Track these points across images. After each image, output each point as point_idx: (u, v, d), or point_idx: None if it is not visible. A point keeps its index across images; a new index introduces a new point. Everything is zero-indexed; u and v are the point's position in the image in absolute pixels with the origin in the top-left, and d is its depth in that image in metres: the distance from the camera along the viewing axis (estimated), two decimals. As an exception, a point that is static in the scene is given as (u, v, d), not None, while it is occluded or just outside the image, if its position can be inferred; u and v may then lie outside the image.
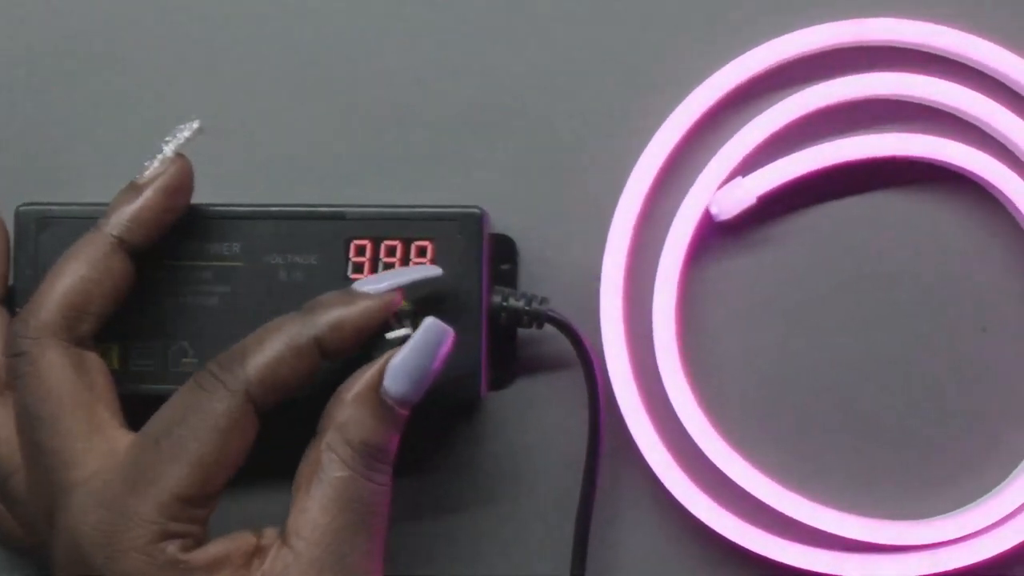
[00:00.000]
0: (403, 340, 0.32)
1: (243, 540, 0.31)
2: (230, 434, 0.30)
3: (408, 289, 0.33)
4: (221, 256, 0.36)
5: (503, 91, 0.40)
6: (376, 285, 0.33)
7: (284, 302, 0.34)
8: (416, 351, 0.32)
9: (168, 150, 0.33)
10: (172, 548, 0.29)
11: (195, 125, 0.34)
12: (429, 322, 0.32)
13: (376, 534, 0.31)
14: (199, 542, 0.30)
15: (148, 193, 0.33)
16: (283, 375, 0.31)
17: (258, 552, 0.31)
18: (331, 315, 0.31)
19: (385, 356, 0.32)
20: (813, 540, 0.38)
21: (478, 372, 0.36)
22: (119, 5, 0.41)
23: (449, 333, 0.32)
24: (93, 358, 0.32)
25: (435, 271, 0.34)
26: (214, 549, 0.30)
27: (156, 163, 0.33)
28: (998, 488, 0.39)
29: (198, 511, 0.30)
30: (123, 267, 0.33)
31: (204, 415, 0.30)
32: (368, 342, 0.32)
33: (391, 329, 0.33)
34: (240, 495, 0.34)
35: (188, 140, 0.33)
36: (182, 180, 0.33)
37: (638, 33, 0.40)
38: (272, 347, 0.31)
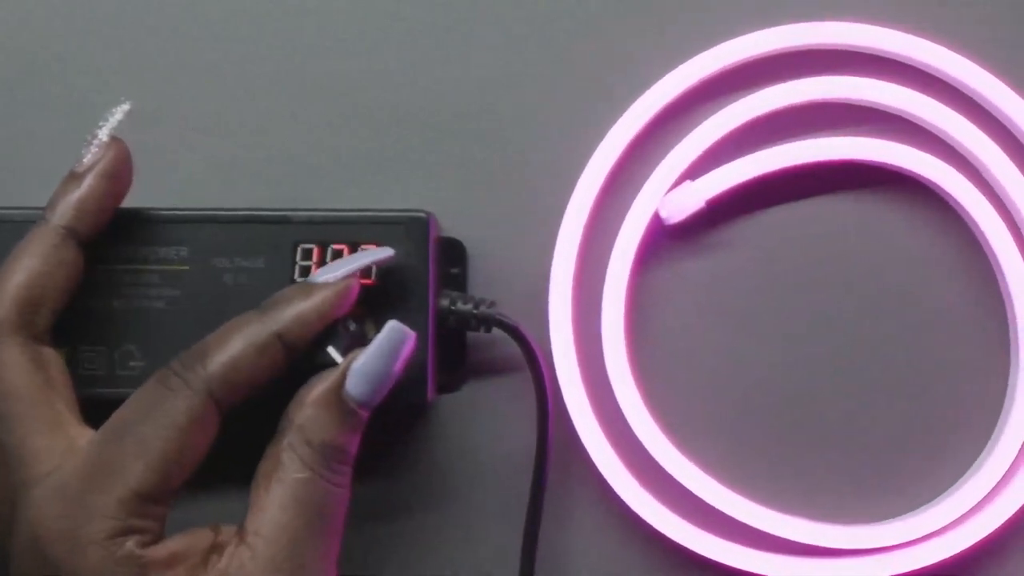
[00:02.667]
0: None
1: (201, 536, 0.31)
2: (192, 432, 0.30)
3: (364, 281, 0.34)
4: (168, 260, 0.36)
5: (452, 96, 0.40)
6: (333, 273, 0.33)
7: (231, 305, 0.34)
8: (378, 354, 0.32)
9: (103, 134, 0.33)
10: (131, 544, 0.30)
11: (126, 107, 0.34)
12: (392, 325, 0.32)
13: (332, 535, 0.31)
14: (157, 538, 0.30)
15: (89, 180, 0.33)
16: (246, 373, 0.31)
17: (215, 548, 0.31)
18: (291, 309, 0.32)
19: (347, 359, 0.32)
20: (761, 544, 0.38)
21: (424, 376, 0.36)
22: (63, 5, 0.41)
23: (410, 335, 0.32)
24: (51, 354, 0.33)
25: (387, 252, 0.34)
26: (172, 545, 0.30)
27: (93, 149, 0.33)
28: (948, 491, 0.39)
29: (157, 508, 0.30)
30: (74, 257, 0.33)
31: (166, 413, 0.30)
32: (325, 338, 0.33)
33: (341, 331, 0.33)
34: (202, 494, 0.35)
35: (121, 122, 0.33)
36: (121, 163, 0.33)
37: (587, 37, 0.40)
38: (234, 345, 0.31)
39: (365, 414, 0.32)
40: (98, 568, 0.29)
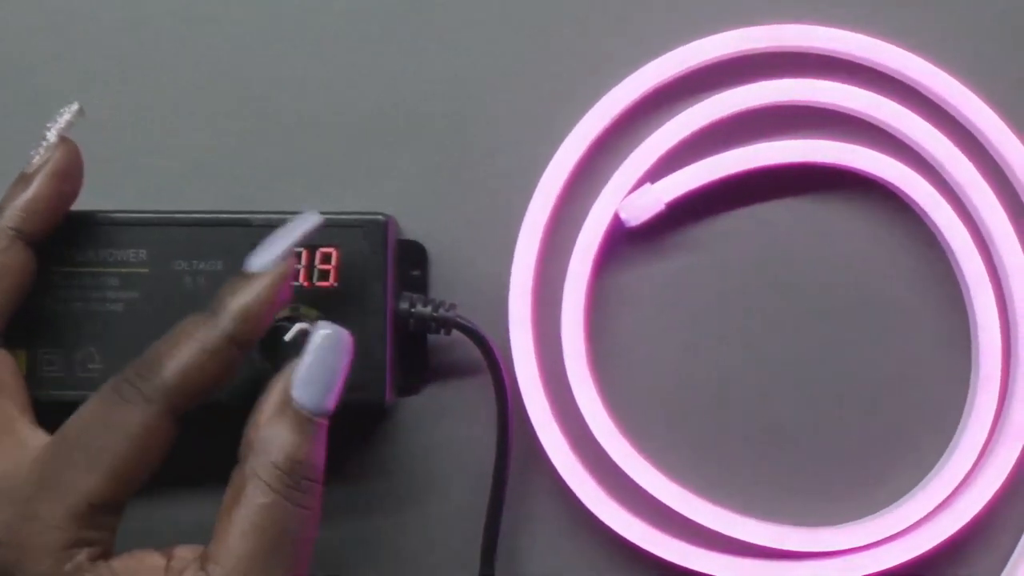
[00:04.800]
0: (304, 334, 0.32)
1: (149, 559, 0.31)
2: (146, 443, 0.30)
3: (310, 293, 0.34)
4: (127, 263, 0.36)
5: (413, 98, 0.40)
6: (269, 257, 0.32)
7: (190, 308, 0.34)
8: (317, 358, 0.31)
9: (51, 135, 0.33)
10: (81, 556, 0.29)
11: (75, 107, 0.34)
12: (325, 330, 0.32)
13: (297, 561, 0.30)
14: (107, 550, 0.30)
15: (38, 181, 0.33)
16: (201, 379, 0.31)
17: (168, 572, 0.30)
18: (236, 307, 0.31)
19: (287, 371, 0.31)
20: (721, 546, 0.38)
21: (383, 378, 0.36)
22: (22, 7, 0.41)
23: (344, 334, 0.32)
24: (1, 355, 0.33)
25: (315, 218, 0.33)
26: (122, 565, 0.30)
27: (42, 150, 0.33)
28: (910, 494, 0.39)
29: (109, 518, 0.30)
30: (23, 259, 0.33)
31: (120, 424, 0.30)
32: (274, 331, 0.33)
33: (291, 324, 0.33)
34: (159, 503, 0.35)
35: (70, 123, 0.33)
36: (70, 163, 0.33)
37: (547, 39, 0.40)
38: (186, 351, 0.31)
39: (323, 421, 0.31)
40: None
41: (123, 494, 0.30)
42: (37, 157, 0.33)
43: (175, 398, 0.30)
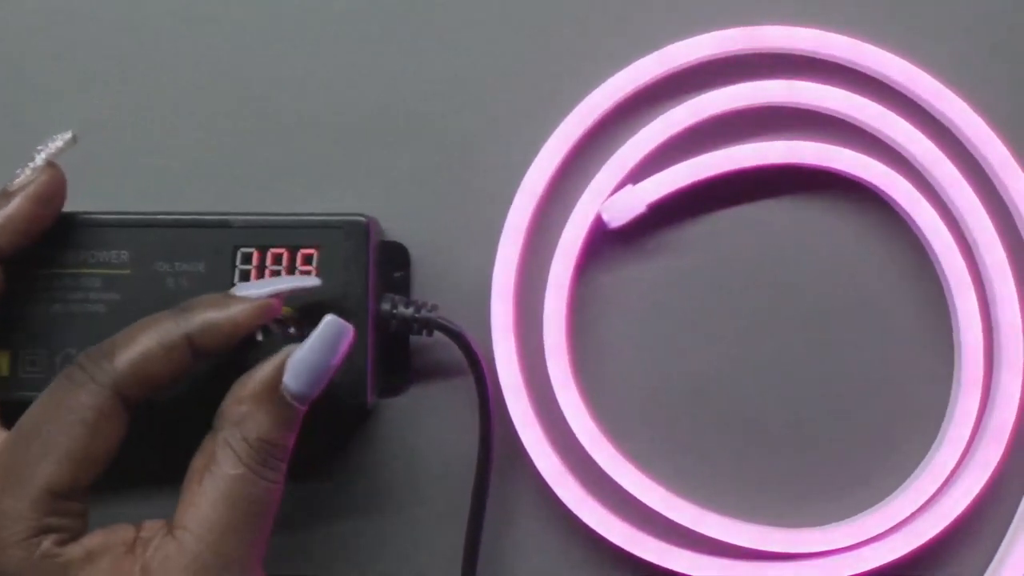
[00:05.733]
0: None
1: (121, 532, 0.31)
2: (99, 427, 0.30)
3: (289, 297, 0.34)
4: (109, 264, 0.36)
5: (396, 100, 0.40)
6: (255, 291, 0.33)
7: None
8: (316, 347, 0.32)
9: (39, 159, 0.34)
10: (47, 543, 0.30)
11: (68, 136, 0.34)
12: (329, 319, 0.32)
13: (261, 532, 0.31)
14: (77, 535, 0.30)
15: (17, 200, 0.33)
16: (152, 370, 0.31)
17: (138, 543, 0.31)
18: (206, 315, 0.32)
19: (284, 352, 0.32)
20: (703, 547, 0.38)
21: (364, 379, 0.36)
22: (13, 7, 0.41)
23: (349, 329, 0.32)
24: None
25: (313, 281, 0.34)
26: (90, 541, 0.30)
27: (27, 171, 0.33)
28: (892, 495, 0.39)
29: (72, 504, 0.30)
30: None
31: (71, 409, 0.30)
32: (243, 344, 0.33)
33: (269, 333, 0.33)
34: (128, 493, 0.36)
35: (60, 150, 0.34)
36: (53, 189, 0.34)
37: (529, 42, 0.40)
38: (143, 342, 0.31)
39: (302, 409, 0.32)
40: (18, 569, 0.29)
41: (83, 479, 0.30)
42: (22, 176, 0.33)
43: (124, 384, 0.31)
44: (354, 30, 0.40)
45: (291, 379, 0.31)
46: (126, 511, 0.34)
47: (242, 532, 0.31)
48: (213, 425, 0.32)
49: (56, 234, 0.35)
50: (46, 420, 0.30)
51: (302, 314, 0.35)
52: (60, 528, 0.30)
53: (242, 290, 0.33)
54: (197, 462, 0.31)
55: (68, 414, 0.30)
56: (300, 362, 0.32)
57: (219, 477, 0.31)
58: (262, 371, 0.32)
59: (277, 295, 0.33)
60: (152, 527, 0.31)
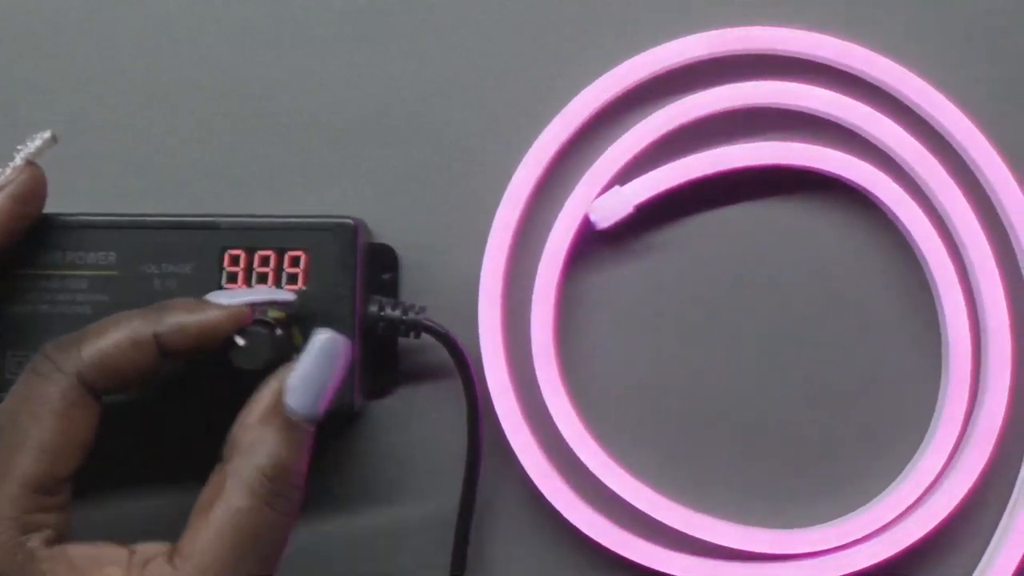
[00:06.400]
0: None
1: (110, 551, 0.30)
2: (68, 416, 0.30)
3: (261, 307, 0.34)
4: (97, 265, 0.36)
5: (384, 102, 0.40)
6: (228, 299, 0.33)
7: None
8: (314, 366, 0.31)
9: (19, 159, 0.33)
10: (33, 542, 0.29)
11: (47, 135, 0.34)
12: (325, 336, 0.32)
13: (266, 565, 0.30)
14: (61, 533, 0.30)
15: None
16: (118, 363, 0.31)
17: (132, 565, 0.30)
18: (176, 317, 0.32)
19: (279, 374, 0.31)
20: (691, 548, 0.38)
21: (352, 381, 0.36)
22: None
23: (345, 343, 0.32)
24: None
25: (289, 296, 0.34)
26: (75, 552, 0.30)
27: (7, 171, 0.33)
28: (879, 497, 0.39)
29: (50, 499, 0.30)
30: None
31: (39, 399, 0.30)
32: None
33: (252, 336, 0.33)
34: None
35: (40, 149, 0.34)
36: (33, 188, 0.34)
37: (518, 42, 0.40)
38: (112, 335, 0.31)
39: (311, 428, 0.31)
40: (4, 570, 0.29)
41: (56, 471, 0.30)
42: (2, 176, 0.33)
43: (90, 374, 0.30)
44: (341, 33, 0.40)
45: (293, 401, 0.31)
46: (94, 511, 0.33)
47: (244, 566, 0.30)
48: (222, 455, 0.31)
49: (43, 235, 0.35)
50: (14, 413, 0.30)
51: (291, 318, 0.35)
52: (42, 525, 0.30)
53: (216, 297, 0.33)
54: (206, 493, 0.30)
55: (37, 405, 0.30)
56: (300, 383, 0.31)
57: (228, 509, 0.30)
58: (262, 397, 0.31)
59: (251, 305, 0.33)
60: (149, 550, 0.30)
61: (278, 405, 0.31)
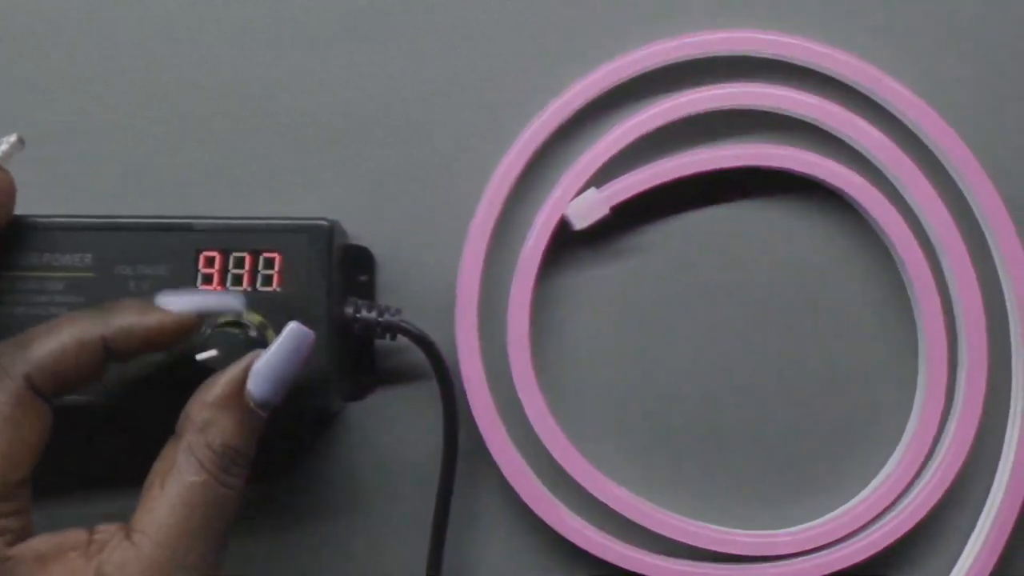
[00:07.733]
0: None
1: (73, 535, 0.31)
2: (18, 420, 0.30)
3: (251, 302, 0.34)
4: (72, 267, 0.36)
5: (361, 103, 0.40)
6: (177, 304, 0.33)
7: None
8: (280, 355, 0.32)
9: None
10: None
11: (12, 139, 0.34)
12: (293, 326, 0.32)
13: (219, 538, 0.31)
14: (22, 535, 0.30)
15: None
16: (65, 365, 0.31)
17: (92, 546, 0.31)
18: (123, 319, 0.32)
19: (247, 359, 0.32)
20: (667, 549, 0.39)
21: (327, 384, 0.36)
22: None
23: (310, 335, 0.32)
24: None
25: (238, 305, 0.34)
26: (39, 544, 0.30)
27: None
28: (856, 498, 0.39)
29: (5, 504, 0.30)
30: None
31: None
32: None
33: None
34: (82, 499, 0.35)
35: (7, 153, 0.34)
36: (2, 190, 0.33)
37: (496, 45, 0.40)
38: (58, 337, 0.31)
39: (265, 415, 0.32)
40: None
41: (12, 474, 0.30)
42: None
43: (38, 377, 0.30)
44: (317, 35, 0.40)
45: (255, 387, 0.31)
46: (84, 513, 0.34)
47: (201, 538, 0.30)
48: (176, 430, 0.32)
49: (18, 237, 0.35)
50: None
51: (267, 318, 0.35)
52: (3, 529, 0.30)
53: (164, 300, 0.33)
54: (158, 467, 0.31)
55: None
56: (264, 370, 0.32)
57: (180, 483, 0.30)
58: (226, 377, 0.32)
59: (199, 313, 0.33)
60: (107, 531, 0.31)
61: (240, 388, 0.31)
